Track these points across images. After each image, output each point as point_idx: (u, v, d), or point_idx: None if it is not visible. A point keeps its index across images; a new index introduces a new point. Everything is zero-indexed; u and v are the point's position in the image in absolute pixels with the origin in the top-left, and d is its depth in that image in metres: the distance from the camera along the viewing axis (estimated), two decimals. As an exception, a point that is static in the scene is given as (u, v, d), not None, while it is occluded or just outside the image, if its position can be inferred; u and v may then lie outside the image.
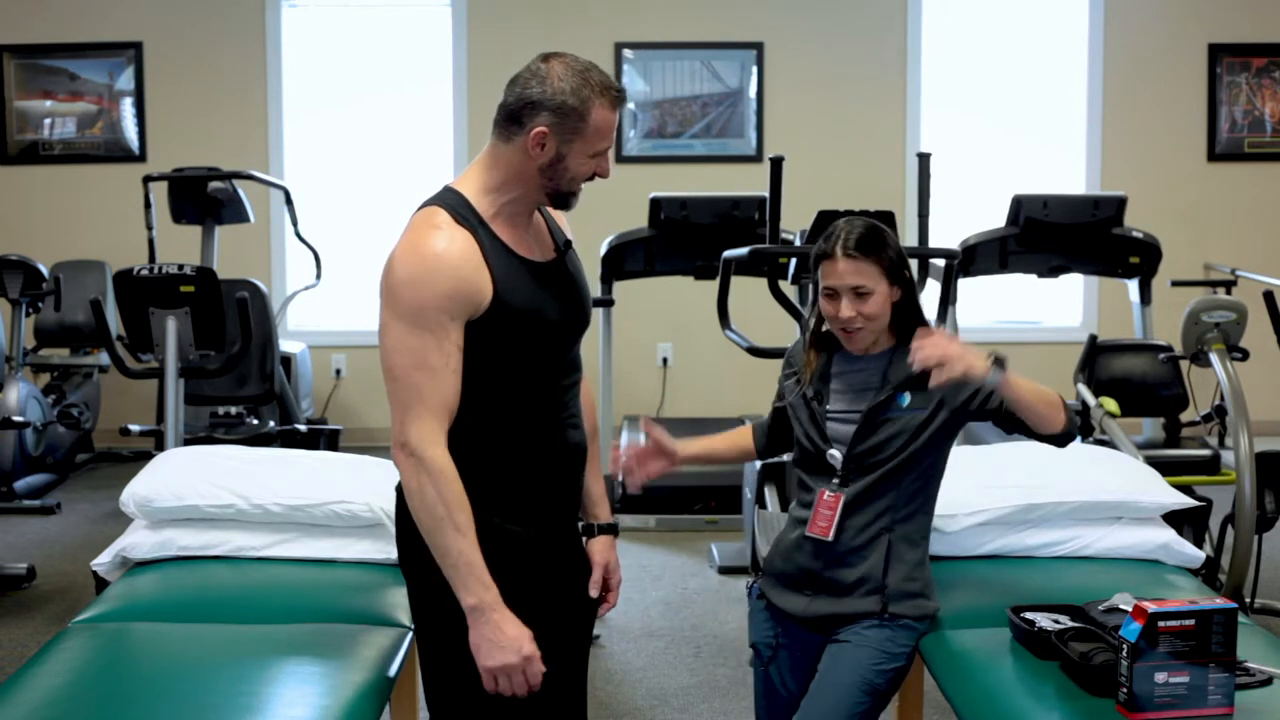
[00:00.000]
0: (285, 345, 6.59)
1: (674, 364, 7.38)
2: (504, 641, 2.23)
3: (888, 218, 4.32)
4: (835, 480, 2.62)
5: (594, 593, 2.49)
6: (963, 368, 2.37)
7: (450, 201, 2.34)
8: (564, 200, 2.37)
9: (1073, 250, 5.66)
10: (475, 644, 2.24)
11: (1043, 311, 7.65)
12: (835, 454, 2.61)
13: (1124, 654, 2.25)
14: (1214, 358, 4.37)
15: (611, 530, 2.54)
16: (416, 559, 2.33)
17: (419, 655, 2.43)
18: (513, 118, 2.31)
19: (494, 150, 2.37)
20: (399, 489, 2.34)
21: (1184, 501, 3.20)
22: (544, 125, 2.28)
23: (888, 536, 2.61)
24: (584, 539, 2.52)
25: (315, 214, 7.18)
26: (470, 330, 2.26)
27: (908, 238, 5.92)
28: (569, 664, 2.46)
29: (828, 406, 2.65)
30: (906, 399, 2.58)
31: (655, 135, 7.48)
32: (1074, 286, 7.55)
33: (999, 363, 2.45)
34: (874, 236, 2.56)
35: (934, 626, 2.69)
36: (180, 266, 4.68)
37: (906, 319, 2.62)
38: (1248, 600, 4.16)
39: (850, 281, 2.54)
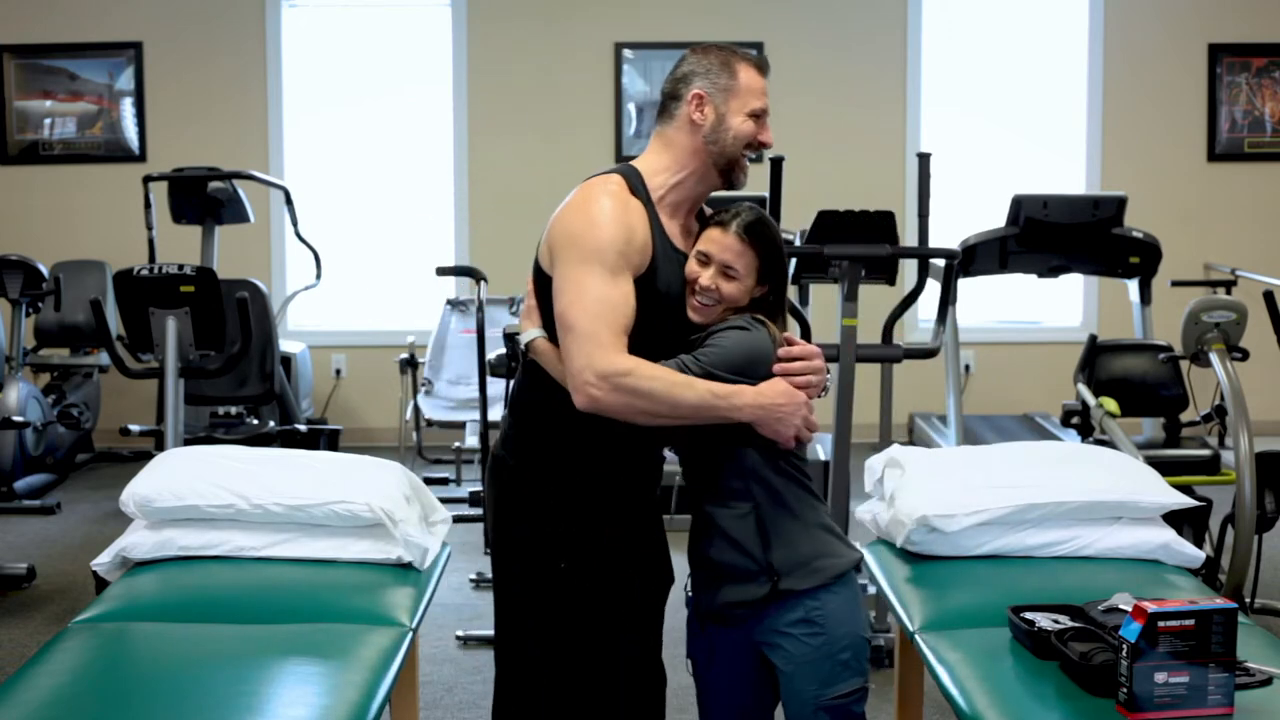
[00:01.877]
0: (285, 345, 6.60)
1: (674, 364, 7.36)
2: (783, 401, 2.40)
3: (888, 218, 4.32)
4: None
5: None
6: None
7: (626, 172, 2.47)
8: (732, 172, 2.48)
9: (1073, 250, 5.65)
10: (767, 429, 2.41)
11: (1043, 311, 7.65)
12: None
13: (1124, 654, 2.25)
14: (1214, 358, 4.37)
15: None
16: (511, 522, 2.51)
17: (496, 622, 2.60)
18: (670, 96, 2.49)
19: (660, 136, 2.51)
20: (495, 459, 2.55)
21: (1184, 501, 3.20)
22: (699, 88, 2.45)
23: (754, 513, 2.52)
24: None
25: (315, 214, 7.18)
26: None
27: (908, 238, 5.91)
28: (644, 632, 2.64)
29: None
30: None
31: (655, 135, 7.48)
32: (1074, 286, 7.55)
33: None
34: (766, 230, 2.52)
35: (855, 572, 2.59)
36: (180, 266, 4.68)
37: (766, 311, 2.53)
38: (1248, 600, 4.16)
39: (725, 258, 2.48)
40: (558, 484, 2.48)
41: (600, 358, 2.32)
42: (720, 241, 2.49)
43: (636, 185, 2.44)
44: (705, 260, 2.50)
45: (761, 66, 2.49)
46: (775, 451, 2.50)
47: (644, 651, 2.61)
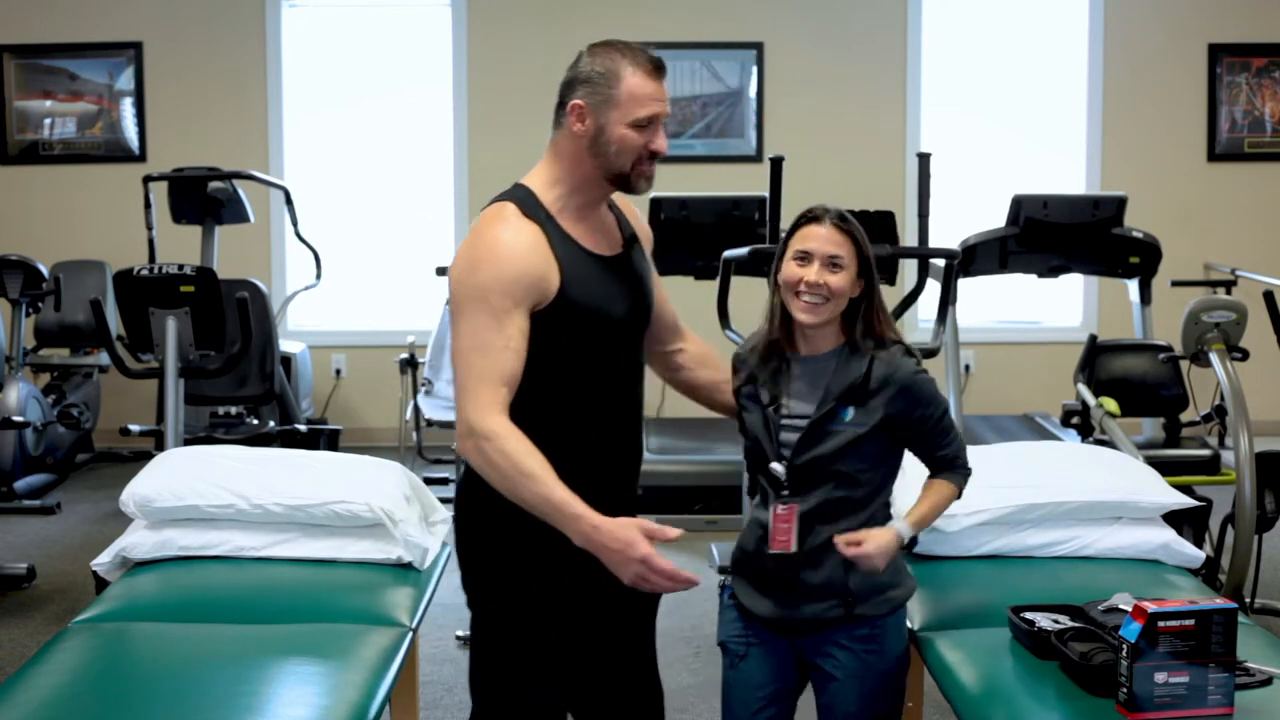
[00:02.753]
0: (285, 345, 6.59)
1: (674, 364, 7.35)
2: (617, 551, 2.24)
3: (888, 218, 4.31)
4: (784, 492, 2.56)
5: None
6: (868, 567, 2.49)
7: (519, 196, 2.39)
8: (626, 182, 2.40)
9: (1073, 250, 5.65)
10: (609, 566, 2.26)
11: (1043, 311, 7.65)
12: (778, 468, 2.55)
13: (1124, 654, 2.25)
14: (1214, 358, 4.37)
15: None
16: (475, 546, 2.40)
17: (471, 639, 2.48)
18: (559, 102, 2.41)
19: (552, 143, 2.44)
20: (462, 479, 2.41)
21: (1184, 501, 3.20)
22: (579, 99, 2.36)
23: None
24: None
25: (315, 214, 7.18)
26: (535, 320, 2.30)
27: (908, 238, 5.91)
28: (631, 637, 2.53)
29: (783, 412, 2.58)
30: (849, 413, 2.52)
31: (655, 135, 7.48)
32: (1074, 286, 7.54)
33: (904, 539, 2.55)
34: (854, 224, 2.56)
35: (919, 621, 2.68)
36: (180, 266, 4.68)
37: (862, 321, 2.55)
38: (1248, 600, 4.16)
39: (829, 250, 2.51)
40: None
41: (473, 412, 2.25)
42: (819, 235, 2.52)
43: (530, 207, 2.35)
44: (805, 258, 2.52)
45: (653, 68, 2.39)
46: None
47: (639, 663, 2.55)
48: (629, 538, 2.24)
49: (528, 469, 2.23)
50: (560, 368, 2.33)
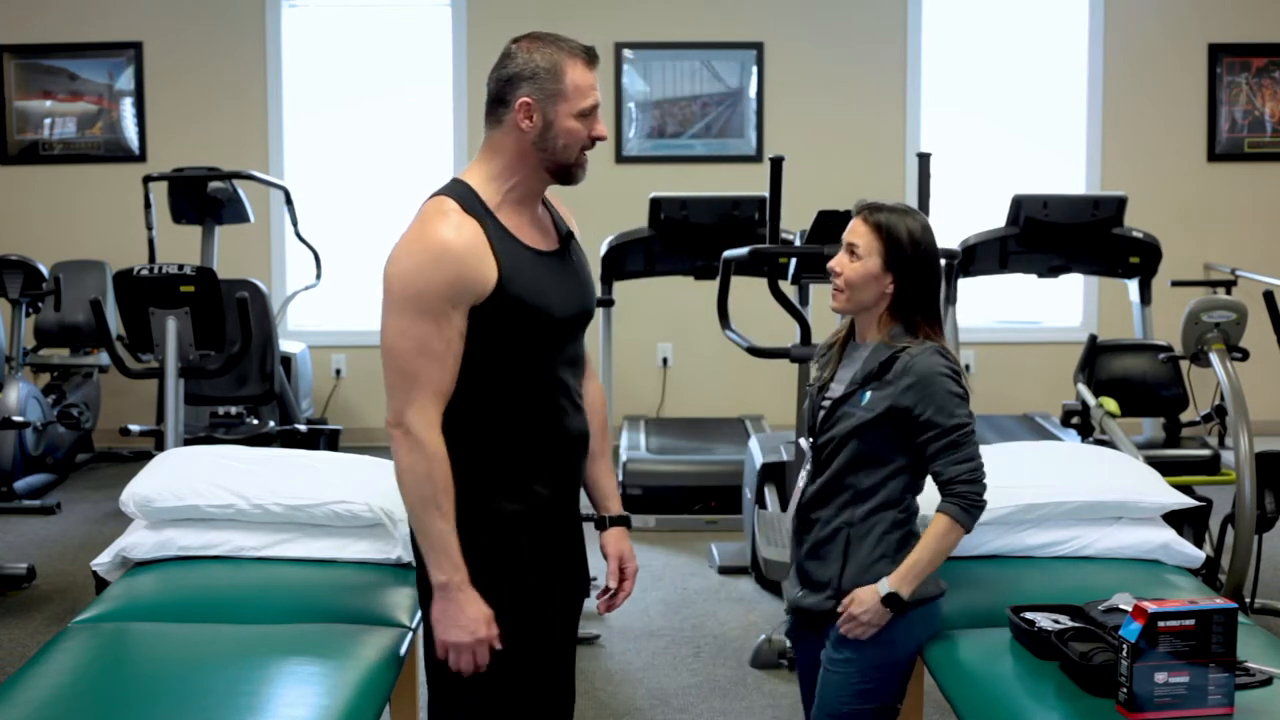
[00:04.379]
0: (285, 345, 6.59)
1: (674, 364, 7.38)
2: (462, 620, 2.30)
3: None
4: (808, 468, 2.69)
5: (611, 583, 2.53)
6: (855, 634, 2.56)
7: (458, 191, 2.39)
8: (568, 173, 2.41)
9: (1073, 250, 5.66)
10: (436, 618, 2.32)
11: (1043, 311, 7.65)
12: (803, 443, 2.69)
13: (1124, 654, 2.25)
14: (1214, 358, 4.37)
15: (624, 522, 2.58)
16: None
17: (424, 639, 2.45)
18: (498, 100, 2.41)
19: (489, 140, 2.43)
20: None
21: (1184, 501, 3.20)
22: (526, 95, 2.37)
23: (845, 532, 2.61)
24: (598, 531, 2.57)
25: (315, 214, 7.18)
26: (474, 316, 2.31)
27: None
28: (559, 642, 2.49)
29: (826, 394, 2.69)
30: (867, 396, 2.59)
31: (655, 135, 7.48)
32: (1074, 286, 7.54)
33: (893, 601, 2.55)
34: (893, 218, 2.61)
35: (933, 620, 2.68)
36: (180, 266, 4.68)
37: (899, 317, 2.62)
38: (1248, 600, 4.16)
39: (849, 238, 2.63)
40: (471, 496, 2.35)
41: (414, 416, 2.28)
42: (852, 226, 2.64)
43: (470, 202, 2.36)
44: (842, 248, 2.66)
45: (590, 59, 2.39)
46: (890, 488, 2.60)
47: (560, 665, 2.52)
48: (488, 615, 2.31)
49: (441, 500, 2.29)
50: (500, 358, 2.35)
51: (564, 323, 2.41)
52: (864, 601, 2.54)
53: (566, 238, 2.48)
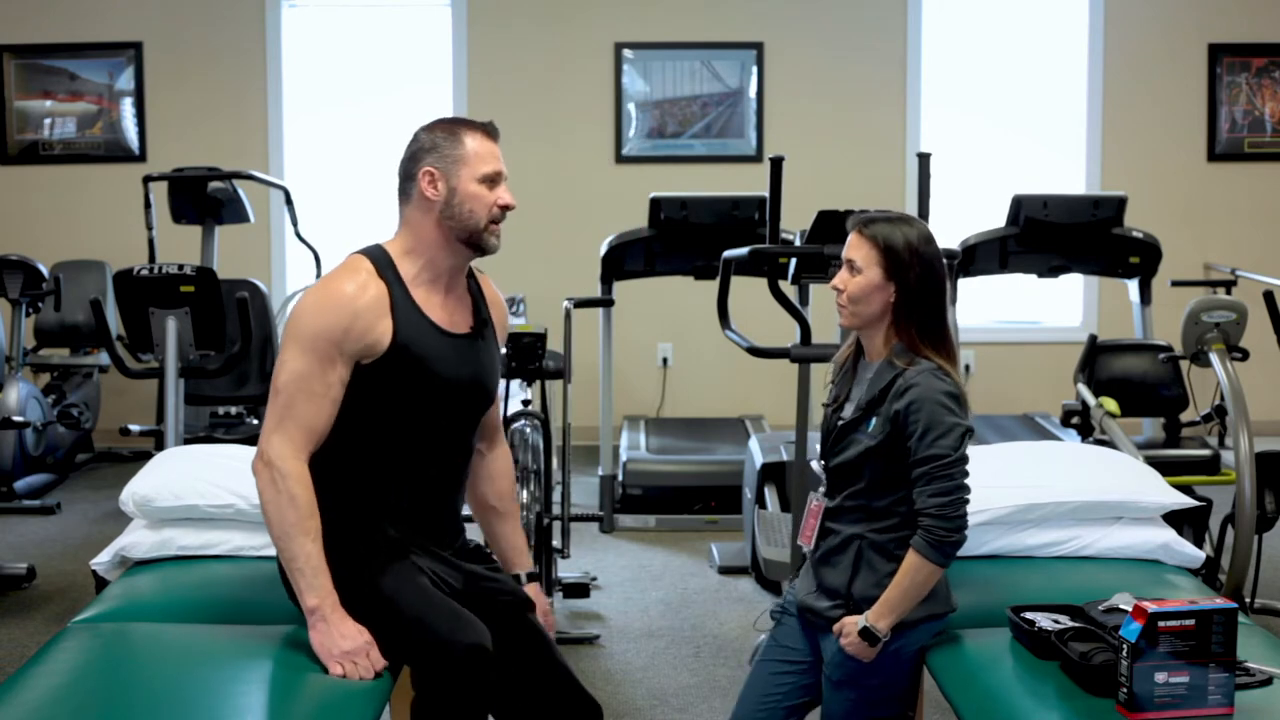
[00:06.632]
0: (285, 345, 6.58)
1: (674, 364, 7.38)
2: (338, 636, 2.43)
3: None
4: (823, 489, 2.69)
5: (550, 629, 2.71)
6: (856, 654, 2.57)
7: (376, 255, 2.55)
8: (479, 241, 2.54)
9: (1073, 250, 5.66)
10: (317, 643, 2.44)
11: (1043, 311, 7.65)
12: (815, 466, 2.70)
13: (1124, 654, 2.25)
14: (1214, 358, 4.37)
15: (536, 577, 2.79)
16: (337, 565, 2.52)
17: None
18: (406, 176, 2.55)
19: (403, 217, 2.59)
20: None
21: (1184, 501, 3.20)
22: (428, 165, 2.51)
23: (858, 544, 2.62)
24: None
25: (315, 214, 7.18)
26: (365, 372, 2.47)
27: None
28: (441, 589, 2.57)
29: (840, 416, 2.68)
30: (873, 423, 2.58)
31: (655, 135, 7.48)
32: (1074, 286, 7.54)
33: (868, 635, 2.55)
34: (887, 228, 2.59)
35: (935, 636, 2.69)
36: (180, 266, 4.68)
37: (906, 331, 2.59)
38: (1248, 600, 4.16)
39: (847, 254, 2.61)
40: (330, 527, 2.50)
41: (280, 447, 2.44)
42: (849, 242, 2.62)
43: (384, 267, 2.52)
44: (842, 264, 2.64)
45: (490, 132, 2.55)
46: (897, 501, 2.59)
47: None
48: (360, 627, 2.46)
49: (306, 523, 2.43)
50: (381, 418, 2.51)
51: (452, 389, 2.54)
52: (849, 634, 2.56)
53: (481, 324, 2.62)
